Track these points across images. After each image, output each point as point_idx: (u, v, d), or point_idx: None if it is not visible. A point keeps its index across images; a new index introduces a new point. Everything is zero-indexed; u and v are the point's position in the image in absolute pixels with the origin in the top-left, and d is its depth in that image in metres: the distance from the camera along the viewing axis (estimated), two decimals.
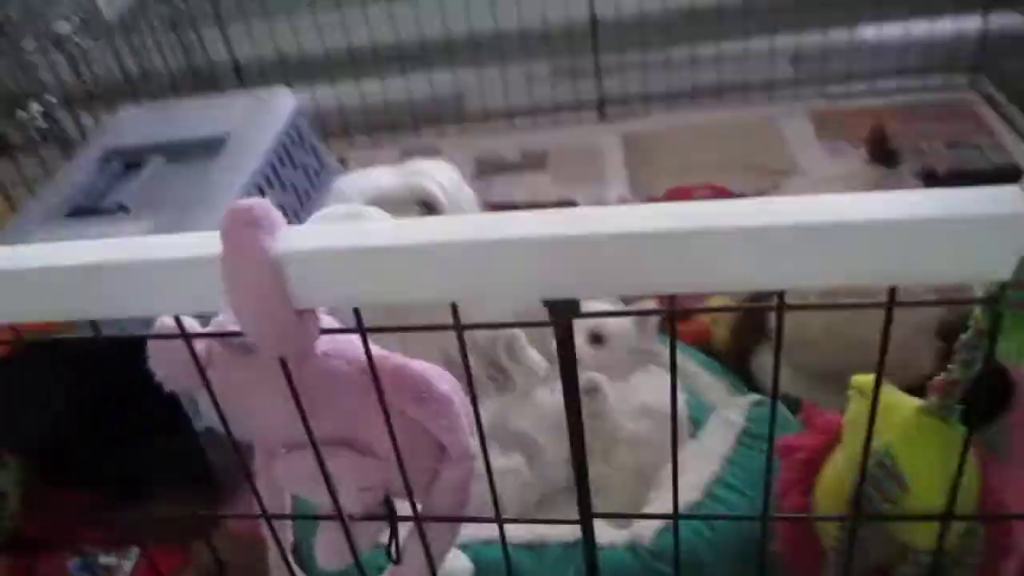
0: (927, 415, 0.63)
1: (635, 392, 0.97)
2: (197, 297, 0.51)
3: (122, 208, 1.21)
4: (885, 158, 1.18)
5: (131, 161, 1.33)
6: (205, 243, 0.50)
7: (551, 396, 1.04)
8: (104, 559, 0.98)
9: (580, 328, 1.05)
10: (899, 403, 0.65)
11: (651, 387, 0.97)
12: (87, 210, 1.22)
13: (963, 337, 0.60)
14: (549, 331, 0.49)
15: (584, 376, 1.01)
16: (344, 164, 1.62)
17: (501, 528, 0.56)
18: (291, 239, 0.49)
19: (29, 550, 1.08)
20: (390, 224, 0.53)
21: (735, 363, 1.09)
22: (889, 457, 0.61)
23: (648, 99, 1.94)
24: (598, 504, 0.94)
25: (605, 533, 0.77)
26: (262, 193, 1.27)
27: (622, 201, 1.68)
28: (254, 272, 0.48)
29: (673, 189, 1.60)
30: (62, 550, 1.05)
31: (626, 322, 1.06)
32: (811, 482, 0.68)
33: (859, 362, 0.96)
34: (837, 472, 0.65)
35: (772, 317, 1.02)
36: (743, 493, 0.80)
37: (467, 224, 0.46)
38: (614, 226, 0.43)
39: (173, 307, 0.54)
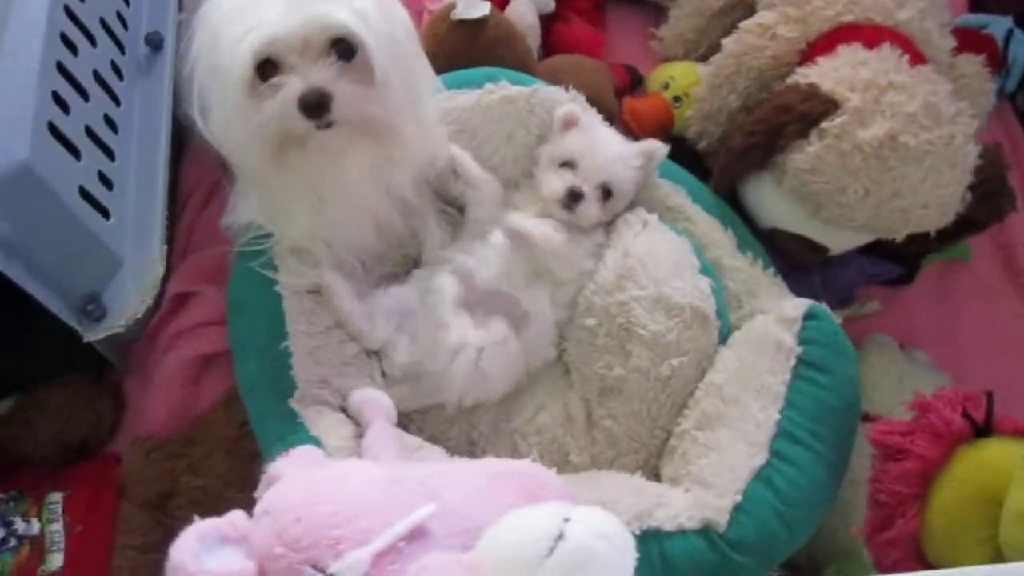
0: None
1: (643, 268, 0.82)
2: None
3: None
4: None
5: None
6: None
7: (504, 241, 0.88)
8: (22, 526, 0.80)
9: (590, 181, 0.86)
10: None
11: (661, 260, 0.83)
12: None
13: None
14: None
15: (507, 221, 0.85)
16: None
17: None
18: None
19: None
20: None
21: (725, 180, 0.95)
22: None
23: None
24: (612, 407, 0.86)
25: (671, 503, 0.70)
26: (69, 43, 0.83)
27: None
28: None
29: None
30: None
31: (631, 171, 0.87)
32: (926, 497, 0.63)
33: (893, 224, 0.87)
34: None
35: (790, 148, 0.87)
36: (809, 447, 0.72)
37: None
38: None
39: None
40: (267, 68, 0.68)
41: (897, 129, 0.81)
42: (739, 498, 0.70)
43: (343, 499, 0.43)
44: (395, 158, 0.76)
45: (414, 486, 0.45)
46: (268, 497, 0.46)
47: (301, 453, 0.55)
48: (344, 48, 0.69)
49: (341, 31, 0.67)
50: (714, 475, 0.72)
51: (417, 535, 0.41)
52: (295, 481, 0.46)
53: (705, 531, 0.69)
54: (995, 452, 0.61)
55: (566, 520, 0.40)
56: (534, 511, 0.41)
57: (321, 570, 0.40)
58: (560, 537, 0.39)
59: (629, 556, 0.42)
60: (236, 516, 0.47)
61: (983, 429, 0.62)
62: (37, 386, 0.92)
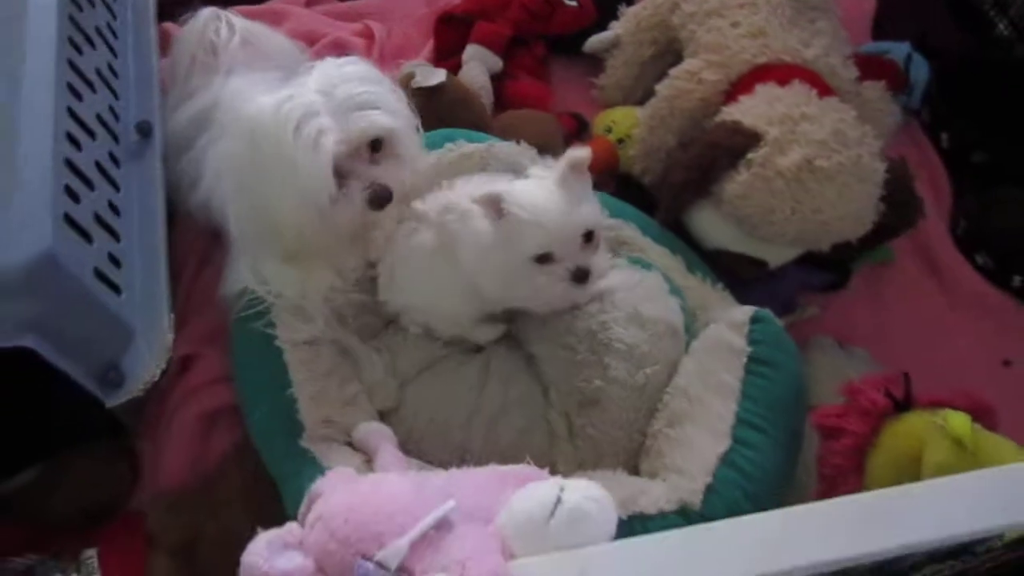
0: None
1: (618, 293, 0.92)
2: None
3: None
4: None
5: None
6: None
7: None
8: None
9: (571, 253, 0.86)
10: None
11: (635, 287, 0.93)
12: None
13: None
14: None
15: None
16: None
17: None
18: None
19: None
20: None
21: (670, 212, 1.06)
22: None
23: None
24: (593, 416, 0.95)
25: (651, 491, 0.80)
26: (76, 68, 0.95)
27: None
28: None
29: None
30: None
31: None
32: (863, 466, 0.73)
33: (818, 236, 0.99)
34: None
35: (723, 178, 0.99)
36: (765, 432, 0.83)
37: None
38: None
39: None
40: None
41: (812, 154, 0.93)
42: (710, 479, 0.80)
43: (381, 502, 0.52)
44: None
45: (436, 489, 0.55)
46: (318, 506, 0.55)
47: (336, 473, 0.64)
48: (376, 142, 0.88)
49: (381, 132, 0.87)
50: (686, 463, 0.82)
51: (443, 526, 0.51)
52: (339, 492, 0.56)
53: (682, 511, 0.79)
54: (914, 422, 0.73)
55: (562, 489, 0.51)
56: (537, 486, 0.51)
57: (369, 559, 0.49)
58: (558, 502, 0.50)
59: (613, 514, 0.53)
60: (292, 526, 0.56)
61: (903, 404, 0.74)
62: (58, 454, 1.00)
